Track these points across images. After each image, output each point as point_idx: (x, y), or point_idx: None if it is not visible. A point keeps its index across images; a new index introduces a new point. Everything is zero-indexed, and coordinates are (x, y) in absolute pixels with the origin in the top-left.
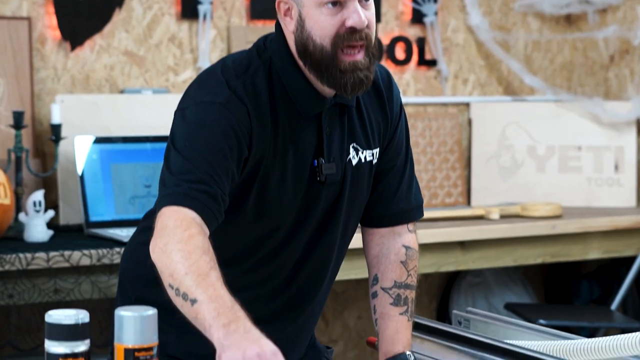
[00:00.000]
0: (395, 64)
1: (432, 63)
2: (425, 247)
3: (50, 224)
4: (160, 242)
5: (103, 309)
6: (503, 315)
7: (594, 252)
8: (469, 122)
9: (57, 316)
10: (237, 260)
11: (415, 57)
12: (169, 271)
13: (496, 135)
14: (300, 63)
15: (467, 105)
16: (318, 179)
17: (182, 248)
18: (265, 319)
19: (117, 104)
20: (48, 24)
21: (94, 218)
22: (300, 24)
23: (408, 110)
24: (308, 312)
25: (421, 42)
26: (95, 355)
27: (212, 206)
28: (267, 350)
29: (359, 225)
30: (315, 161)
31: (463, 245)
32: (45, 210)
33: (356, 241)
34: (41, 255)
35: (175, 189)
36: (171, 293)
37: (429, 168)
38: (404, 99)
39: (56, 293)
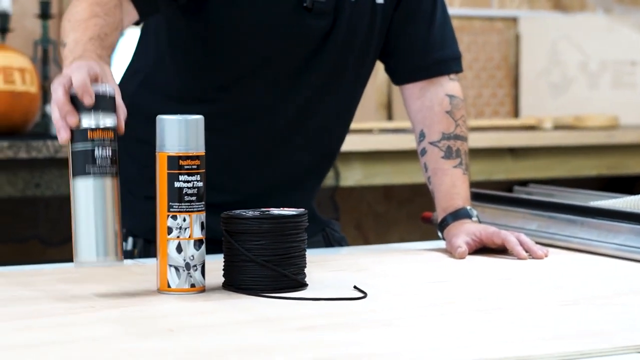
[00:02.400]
0: None
1: None
2: (474, 153)
3: None
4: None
5: None
6: None
7: None
8: (517, 37)
9: None
10: (199, 97)
11: None
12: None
13: (546, 51)
14: None
15: (515, 19)
16: (305, 4)
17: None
18: (238, 167)
19: None
20: None
21: None
22: None
23: (453, 23)
24: (287, 165)
25: None
26: None
27: None
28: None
29: (400, 87)
30: None
31: (514, 152)
32: None
33: (397, 143)
34: None
35: None
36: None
37: (475, 84)
38: (448, 11)
39: None
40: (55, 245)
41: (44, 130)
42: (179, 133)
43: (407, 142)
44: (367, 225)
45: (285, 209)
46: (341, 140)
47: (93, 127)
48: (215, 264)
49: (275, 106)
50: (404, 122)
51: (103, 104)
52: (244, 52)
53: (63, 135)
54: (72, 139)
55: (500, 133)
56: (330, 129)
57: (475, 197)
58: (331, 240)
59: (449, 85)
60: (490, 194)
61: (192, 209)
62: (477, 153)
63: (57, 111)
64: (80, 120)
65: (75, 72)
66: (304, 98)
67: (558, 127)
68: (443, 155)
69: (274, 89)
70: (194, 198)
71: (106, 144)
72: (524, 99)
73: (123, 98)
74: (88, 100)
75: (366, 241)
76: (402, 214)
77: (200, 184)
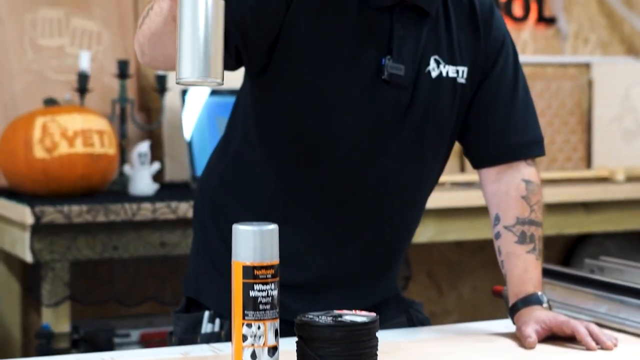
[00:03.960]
0: (513, 20)
1: (551, 21)
2: (546, 208)
3: (155, 181)
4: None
5: None
6: None
7: None
8: (589, 83)
9: None
10: (283, 171)
11: (533, 14)
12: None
13: (619, 97)
14: None
15: (588, 65)
16: (383, 77)
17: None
18: (320, 246)
19: None
20: None
21: (200, 173)
22: None
23: (525, 70)
24: (370, 243)
25: None
26: None
27: None
28: None
29: (477, 170)
30: (384, 60)
31: (586, 206)
32: (151, 163)
33: (470, 200)
34: (147, 206)
35: None
36: (146, 34)
37: (547, 131)
38: (521, 59)
39: (162, 246)
40: (132, 306)
41: (121, 188)
42: (254, 243)
43: (479, 197)
44: (440, 274)
45: (358, 312)
46: (421, 214)
47: None
48: (290, 356)
49: (356, 181)
50: (476, 175)
51: None
52: (322, 124)
53: None
54: None
55: (572, 187)
56: (409, 205)
57: (546, 274)
58: (415, 322)
59: (526, 170)
60: (561, 272)
61: (266, 317)
62: (549, 208)
63: None
64: None
65: None
66: (383, 172)
67: (631, 178)
68: (517, 240)
69: (355, 163)
70: (268, 307)
71: None
72: (596, 145)
73: (212, 177)
74: None
75: (438, 289)
76: (475, 262)
77: (275, 292)
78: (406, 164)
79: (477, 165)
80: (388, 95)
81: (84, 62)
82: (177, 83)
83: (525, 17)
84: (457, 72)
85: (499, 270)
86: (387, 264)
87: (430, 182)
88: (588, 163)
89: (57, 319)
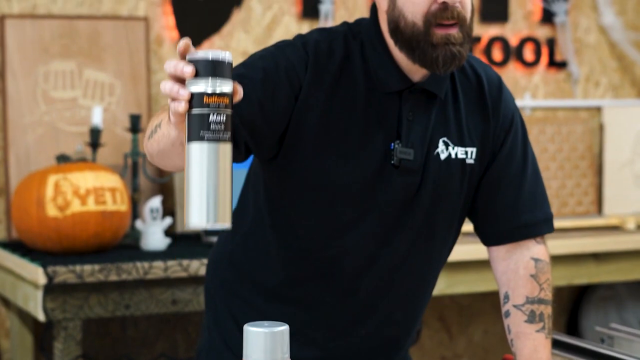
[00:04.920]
0: (524, 65)
1: (562, 65)
2: (556, 259)
3: (167, 232)
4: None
5: None
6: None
7: None
8: (601, 127)
9: (200, 52)
10: (292, 254)
11: (544, 58)
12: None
13: (630, 140)
14: (391, 43)
15: (599, 109)
16: (392, 162)
17: None
18: (330, 325)
19: None
20: (165, 24)
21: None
22: (393, 1)
23: (537, 114)
24: (380, 322)
25: (551, 43)
26: None
27: None
28: None
29: (487, 247)
30: (393, 145)
31: (597, 257)
32: (163, 217)
33: (480, 253)
34: (159, 264)
35: None
36: (154, 149)
37: (558, 175)
38: (532, 103)
39: (174, 304)
40: None
41: (133, 242)
42: (265, 345)
43: (479, 252)
44: (450, 318)
45: None
46: (431, 290)
47: (209, 92)
48: None
49: (366, 263)
50: None
51: (219, 69)
52: (332, 208)
53: (182, 101)
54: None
55: (582, 238)
56: (420, 284)
57: (557, 345)
58: None
59: (535, 248)
60: (572, 344)
61: None
62: (559, 259)
63: (172, 67)
64: (196, 85)
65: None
66: (394, 254)
67: None
68: (526, 319)
69: (365, 246)
70: None
71: (221, 109)
72: (607, 189)
73: (222, 255)
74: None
75: (448, 333)
76: (486, 305)
77: None
78: (416, 245)
79: (487, 242)
80: (397, 179)
81: (97, 118)
82: (186, 227)
83: (536, 61)
84: (466, 153)
85: None
86: (397, 341)
87: (440, 260)
88: (599, 207)
89: None
